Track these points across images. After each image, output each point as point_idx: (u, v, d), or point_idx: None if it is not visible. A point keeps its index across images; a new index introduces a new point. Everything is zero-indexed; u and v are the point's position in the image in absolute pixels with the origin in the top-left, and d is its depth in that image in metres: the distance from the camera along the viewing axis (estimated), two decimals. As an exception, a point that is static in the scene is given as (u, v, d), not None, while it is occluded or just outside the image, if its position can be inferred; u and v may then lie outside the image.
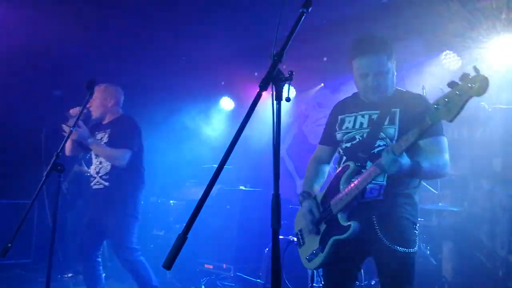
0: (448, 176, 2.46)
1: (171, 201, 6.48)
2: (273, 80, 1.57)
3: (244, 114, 1.54)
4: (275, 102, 1.58)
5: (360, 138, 2.53)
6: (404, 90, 2.64)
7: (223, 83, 7.41)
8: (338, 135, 2.64)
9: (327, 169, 2.85)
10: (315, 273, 3.94)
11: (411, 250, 2.35)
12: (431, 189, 4.60)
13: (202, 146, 6.85)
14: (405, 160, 2.17)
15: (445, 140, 2.44)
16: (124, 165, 3.91)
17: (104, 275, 4.16)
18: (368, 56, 2.45)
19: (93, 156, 4.17)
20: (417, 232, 2.44)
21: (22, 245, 6.68)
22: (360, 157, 2.45)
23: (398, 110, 2.46)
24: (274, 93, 1.58)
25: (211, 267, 5.85)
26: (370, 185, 2.37)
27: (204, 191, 1.46)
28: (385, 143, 2.43)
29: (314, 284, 4.02)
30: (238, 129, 1.53)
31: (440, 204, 4.56)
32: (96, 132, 4.17)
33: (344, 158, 2.58)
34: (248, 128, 1.55)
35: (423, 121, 2.09)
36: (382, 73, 2.46)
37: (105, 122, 4.22)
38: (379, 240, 2.35)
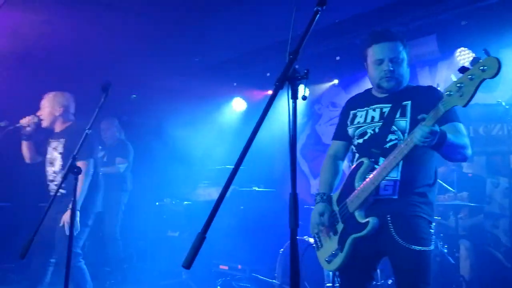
0: (468, 158, 2.42)
1: (185, 202, 6.50)
2: (289, 79, 1.56)
3: (257, 115, 1.53)
4: (291, 101, 1.56)
5: (372, 133, 2.51)
6: (415, 85, 2.62)
7: (235, 84, 7.42)
8: (350, 130, 2.63)
9: (342, 166, 2.82)
10: (335, 273, 3.90)
11: (427, 248, 2.32)
12: (449, 187, 4.56)
13: (214, 147, 6.86)
14: (437, 128, 2.14)
15: (462, 126, 2.41)
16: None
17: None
18: (383, 42, 2.46)
19: (48, 164, 4.18)
20: (432, 231, 2.41)
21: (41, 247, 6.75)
22: (373, 152, 2.43)
23: (409, 102, 2.45)
24: (290, 92, 1.57)
25: (226, 268, 5.85)
26: (384, 182, 2.35)
27: (221, 191, 1.45)
28: (396, 136, 2.41)
29: (330, 285, 4.00)
30: (253, 129, 1.51)
31: (457, 201, 4.51)
32: (51, 140, 4.21)
33: (357, 155, 2.56)
34: (261, 128, 1.54)
35: (436, 109, 2.07)
36: (397, 60, 2.46)
37: (57, 130, 4.22)
38: (394, 239, 2.34)
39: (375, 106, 2.56)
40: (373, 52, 2.49)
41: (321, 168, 2.81)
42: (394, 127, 2.42)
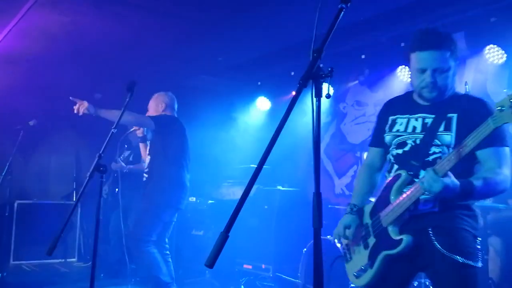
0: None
1: (209, 201, 6.53)
2: (313, 77, 1.54)
3: (281, 114, 1.52)
4: (314, 99, 1.54)
5: (413, 144, 2.32)
6: (463, 93, 2.44)
7: (259, 83, 7.42)
8: (388, 138, 2.45)
9: (379, 177, 2.64)
10: None
11: (472, 263, 2.12)
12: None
13: (238, 146, 6.87)
14: (450, 181, 1.99)
15: (507, 152, 2.21)
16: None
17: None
18: (429, 50, 2.23)
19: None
20: (479, 247, 2.21)
21: (67, 245, 6.90)
22: (413, 165, 2.26)
23: (455, 115, 2.25)
24: (314, 90, 1.55)
25: (250, 267, 5.86)
26: (424, 196, 2.17)
27: (244, 190, 1.44)
28: (440, 150, 2.23)
29: None
30: (276, 128, 1.50)
31: (485, 201, 4.40)
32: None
33: (396, 166, 2.39)
34: (285, 127, 1.53)
35: (485, 125, 1.92)
36: (443, 70, 2.24)
37: None
38: (436, 251, 2.16)
39: (418, 115, 2.36)
40: (416, 60, 2.28)
41: (356, 177, 2.69)
42: (437, 141, 2.24)
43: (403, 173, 2.27)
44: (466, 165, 2.17)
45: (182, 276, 6.00)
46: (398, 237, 2.22)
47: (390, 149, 2.44)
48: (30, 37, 5.61)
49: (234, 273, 5.85)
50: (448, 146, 2.22)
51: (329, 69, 1.53)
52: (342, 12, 1.65)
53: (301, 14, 4.31)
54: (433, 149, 2.24)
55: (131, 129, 4.81)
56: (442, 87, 2.28)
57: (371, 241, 2.37)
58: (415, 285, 3.94)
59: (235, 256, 5.95)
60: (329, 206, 5.04)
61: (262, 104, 7.37)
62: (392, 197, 2.28)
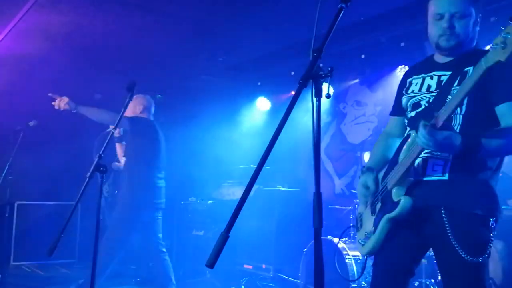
0: None
1: (210, 202, 6.53)
2: (313, 77, 1.53)
3: (281, 114, 1.52)
4: (314, 99, 1.54)
5: (426, 105, 2.16)
6: (487, 49, 2.10)
7: (259, 83, 7.42)
8: (404, 100, 2.30)
9: (397, 143, 2.34)
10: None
11: (480, 259, 1.97)
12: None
13: (238, 146, 6.88)
14: (447, 134, 1.82)
15: None
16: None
17: None
18: None
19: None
20: (491, 232, 2.04)
21: (67, 245, 6.90)
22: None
23: (471, 68, 2.00)
24: (314, 90, 1.54)
25: (250, 267, 5.86)
26: (433, 160, 2.04)
27: (245, 190, 1.44)
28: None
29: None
30: (276, 129, 1.50)
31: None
32: None
33: (408, 129, 2.25)
34: (285, 127, 1.52)
35: (478, 66, 1.71)
36: (462, 15, 2.07)
37: None
38: (446, 237, 1.99)
39: (434, 73, 2.20)
40: (434, 5, 2.12)
41: (374, 145, 2.52)
42: (450, 97, 1.98)
43: (413, 133, 2.07)
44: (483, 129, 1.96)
45: (182, 276, 6.00)
46: (397, 199, 2.07)
47: (406, 112, 2.30)
48: (30, 37, 5.61)
49: (235, 273, 5.85)
50: (460, 104, 1.99)
51: (329, 69, 1.52)
52: (342, 12, 1.65)
53: (301, 14, 4.31)
54: None
55: (108, 129, 4.81)
56: (462, 35, 2.09)
57: (378, 206, 2.23)
58: (416, 285, 3.94)
59: (236, 256, 5.95)
60: (329, 206, 5.04)
61: (262, 104, 7.37)
62: (401, 158, 2.12)
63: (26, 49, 5.94)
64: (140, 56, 6.34)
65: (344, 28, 4.65)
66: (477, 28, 2.16)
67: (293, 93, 1.56)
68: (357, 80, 6.37)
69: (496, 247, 4.32)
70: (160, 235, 4.71)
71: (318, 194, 1.48)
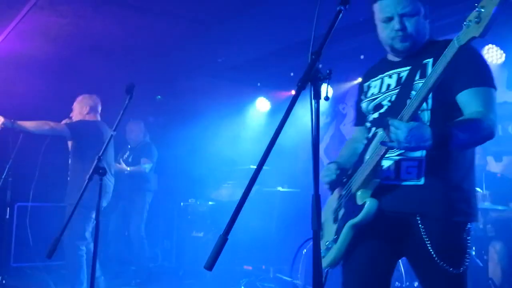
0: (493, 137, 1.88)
1: (209, 203, 6.53)
2: (311, 79, 1.53)
3: (280, 115, 1.52)
4: (313, 101, 1.53)
5: (389, 104, 2.05)
6: (440, 39, 2.10)
7: (259, 84, 7.42)
8: (364, 105, 2.18)
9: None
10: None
11: (461, 269, 1.88)
12: (477, 188, 4.45)
13: (238, 147, 6.88)
14: (417, 124, 1.70)
15: (492, 93, 1.91)
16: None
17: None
18: None
19: None
20: (468, 237, 1.94)
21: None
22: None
23: (430, 60, 1.96)
24: (313, 92, 1.54)
25: (250, 268, 5.86)
26: (406, 162, 1.91)
27: (244, 192, 1.44)
28: None
29: None
30: (276, 130, 1.50)
31: (485, 203, 4.41)
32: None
33: (373, 129, 2.09)
34: (285, 128, 1.52)
35: (450, 46, 1.63)
36: (411, 14, 1.99)
37: None
38: (423, 247, 1.88)
39: (391, 71, 2.11)
40: (380, 8, 2.04)
41: (340, 152, 2.38)
42: (413, 92, 1.90)
43: (380, 131, 1.95)
44: (447, 120, 1.84)
45: (182, 277, 6.01)
46: (361, 202, 1.88)
47: (368, 116, 2.17)
48: (30, 39, 5.62)
49: (235, 274, 5.85)
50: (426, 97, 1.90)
51: (328, 71, 1.52)
52: (341, 14, 1.65)
53: (300, 14, 4.31)
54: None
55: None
56: (414, 33, 2.01)
57: (341, 212, 2.02)
58: (415, 285, 3.93)
59: (236, 257, 5.95)
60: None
61: (262, 104, 7.37)
62: (366, 157, 1.96)
63: (26, 50, 5.95)
64: (138, 57, 6.34)
65: (344, 29, 4.65)
66: (428, 20, 2.08)
67: (293, 92, 1.55)
68: (357, 81, 6.37)
69: (495, 247, 4.33)
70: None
71: (316, 196, 1.48)
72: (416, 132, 1.68)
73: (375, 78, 2.19)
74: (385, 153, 1.86)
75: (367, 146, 2.02)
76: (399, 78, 2.07)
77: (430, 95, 1.83)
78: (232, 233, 1.43)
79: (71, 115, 4.88)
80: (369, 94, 2.19)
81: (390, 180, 1.95)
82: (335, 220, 2.05)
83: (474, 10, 1.57)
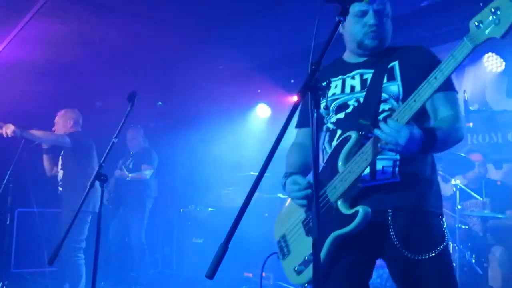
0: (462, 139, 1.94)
1: (209, 209, 6.53)
2: (311, 89, 1.55)
3: (281, 121, 1.53)
4: (313, 110, 1.55)
5: (355, 104, 2.02)
6: (397, 45, 2.13)
7: (259, 90, 7.44)
8: (323, 105, 2.10)
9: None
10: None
11: (440, 248, 1.87)
12: (476, 196, 4.47)
13: (239, 153, 6.89)
14: (415, 128, 1.70)
15: (459, 97, 1.97)
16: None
17: None
18: None
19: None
20: (444, 224, 1.96)
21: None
22: (362, 124, 1.90)
23: (396, 63, 2.00)
24: (312, 102, 1.55)
25: (250, 275, 5.85)
26: (382, 163, 1.90)
27: (245, 199, 1.44)
28: (390, 106, 1.95)
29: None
30: (277, 137, 1.51)
31: (485, 211, 4.42)
32: None
33: (339, 131, 2.03)
34: (286, 135, 1.53)
35: (461, 46, 1.60)
36: (384, 12, 2.01)
37: None
38: (395, 247, 1.88)
39: (353, 73, 2.08)
40: (355, 5, 2.00)
41: (285, 156, 2.28)
42: (384, 95, 1.94)
43: (353, 134, 1.89)
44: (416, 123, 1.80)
45: (182, 284, 6.01)
46: (351, 211, 1.82)
47: (329, 117, 2.12)
48: (32, 46, 5.66)
49: (235, 281, 5.84)
50: (396, 99, 1.95)
51: (328, 81, 1.54)
52: (340, 25, 1.67)
53: (301, 22, 4.35)
54: (382, 106, 1.96)
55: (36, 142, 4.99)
56: (384, 33, 2.04)
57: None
58: None
59: (236, 264, 5.95)
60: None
61: (263, 111, 7.39)
62: (340, 164, 1.89)
63: (28, 57, 5.98)
64: (140, 64, 6.37)
65: (343, 39, 4.68)
66: (391, 30, 2.10)
67: (294, 98, 1.58)
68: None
69: (495, 254, 4.33)
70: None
71: (316, 204, 1.49)
72: (415, 138, 1.71)
73: (335, 78, 2.12)
74: (375, 156, 1.83)
75: (337, 150, 1.93)
76: (363, 80, 2.04)
77: (399, 76, 1.93)
78: (232, 240, 1.44)
79: (53, 128, 5.07)
80: (329, 93, 2.12)
81: (366, 182, 1.93)
82: (309, 232, 2.00)
83: (488, 9, 1.52)
